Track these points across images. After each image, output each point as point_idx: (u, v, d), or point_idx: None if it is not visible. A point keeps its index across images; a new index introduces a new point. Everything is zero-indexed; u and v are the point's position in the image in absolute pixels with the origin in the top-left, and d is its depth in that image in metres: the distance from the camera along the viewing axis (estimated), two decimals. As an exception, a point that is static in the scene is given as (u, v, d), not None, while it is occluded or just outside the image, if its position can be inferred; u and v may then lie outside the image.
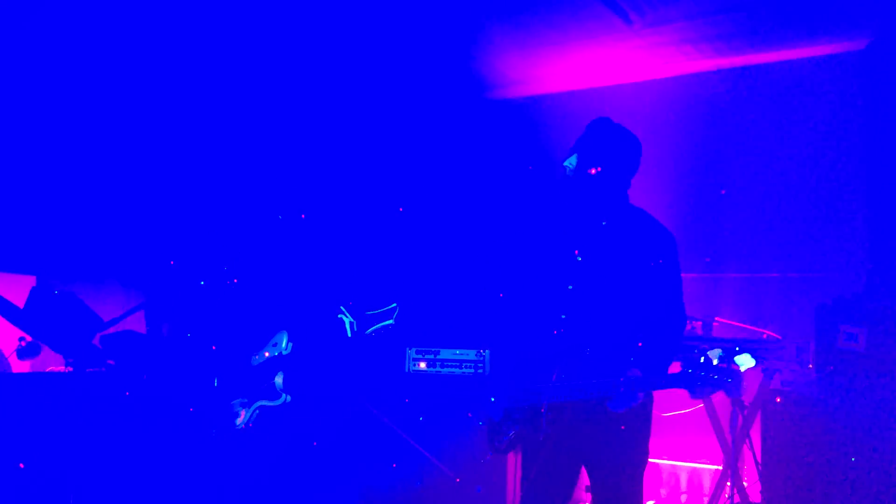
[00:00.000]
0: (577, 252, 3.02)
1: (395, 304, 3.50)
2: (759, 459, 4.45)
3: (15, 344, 4.87)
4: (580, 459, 3.00)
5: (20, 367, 5.68)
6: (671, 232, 3.00)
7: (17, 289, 6.84)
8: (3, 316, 4.41)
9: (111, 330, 4.33)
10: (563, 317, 2.97)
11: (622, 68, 5.47)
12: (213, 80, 5.67)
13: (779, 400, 4.27)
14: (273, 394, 3.83)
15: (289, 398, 3.82)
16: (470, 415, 4.78)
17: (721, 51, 5.11)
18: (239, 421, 3.93)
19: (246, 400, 3.91)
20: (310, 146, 6.33)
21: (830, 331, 3.48)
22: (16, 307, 4.43)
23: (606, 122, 3.11)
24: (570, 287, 2.99)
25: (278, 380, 3.81)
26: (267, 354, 3.92)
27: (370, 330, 3.48)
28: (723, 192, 5.22)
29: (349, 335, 3.51)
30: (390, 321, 3.49)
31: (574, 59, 5.39)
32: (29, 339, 4.81)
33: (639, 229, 2.97)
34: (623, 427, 2.89)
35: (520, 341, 3.23)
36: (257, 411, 3.89)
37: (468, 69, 5.64)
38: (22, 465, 4.64)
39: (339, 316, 3.50)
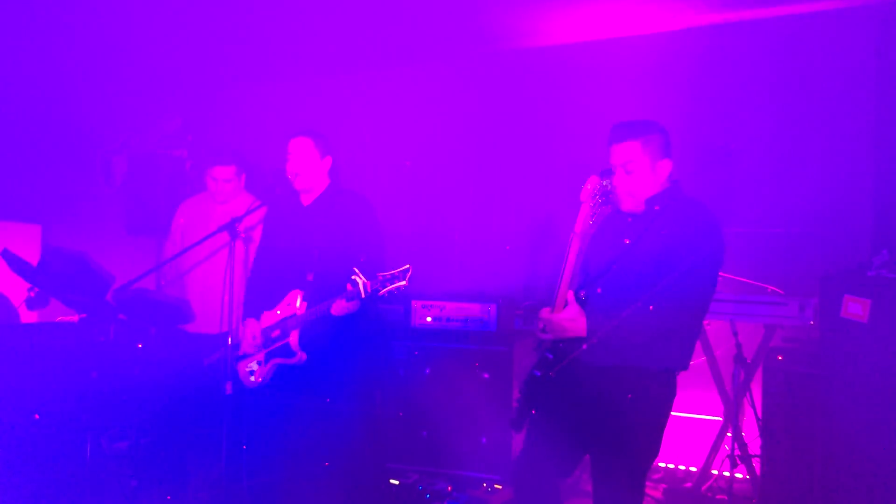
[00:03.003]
0: (626, 240, 3.03)
1: (408, 266, 3.53)
2: (759, 414, 4.55)
3: (24, 294, 4.91)
4: (583, 437, 3.02)
5: (29, 317, 5.74)
6: (716, 224, 2.93)
7: (22, 237, 6.89)
8: (18, 273, 4.44)
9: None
10: (599, 291, 3.00)
11: (631, 20, 5.41)
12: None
13: (780, 358, 4.34)
14: (288, 352, 3.89)
15: (304, 356, 3.88)
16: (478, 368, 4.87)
17: (730, 5, 5.06)
18: (254, 378, 4.00)
19: (262, 359, 3.98)
20: (317, 98, 6.31)
21: (835, 301, 3.53)
22: (29, 264, 4.46)
23: (614, 129, 3.08)
24: (615, 266, 3.02)
25: (293, 338, 3.87)
26: (279, 312, 3.97)
27: (384, 291, 3.52)
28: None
29: (363, 296, 3.54)
30: (403, 283, 3.52)
31: (582, 10, 5.33)
32: (38, 289, 4.85)
33: (684, 218, 2.94)
34: (634, 414, 2.92)
35: None
36: (273, 368, 3.97)
37: (475, 20, 5.57)
38: (37, 416, 4.73)
39: (353, 277, 3.53)
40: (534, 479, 3.11)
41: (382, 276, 3.53)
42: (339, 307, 3.67)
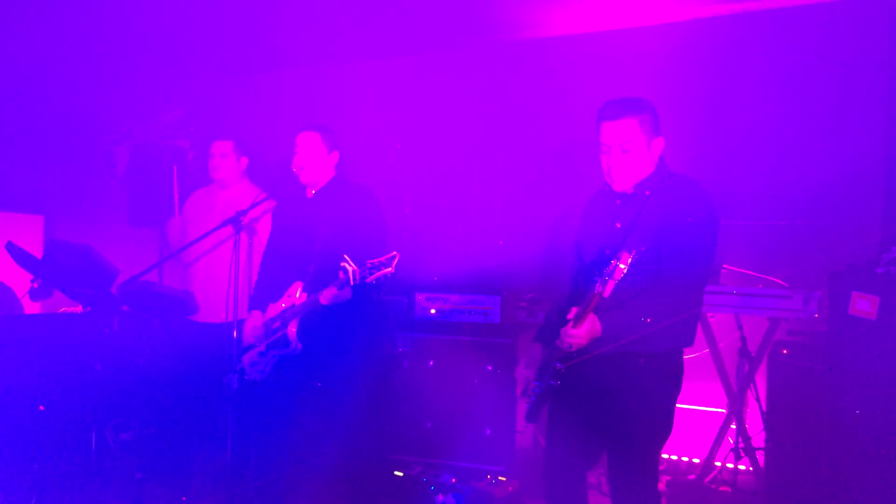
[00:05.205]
0: (618, 224, 3.01)
1: (395, 253, 3.51)
2: (763, 407, 4.56)
3: (27, 285, 4.92)
4: (600, 425, 3.03)
5: (32, 307, 5.74)
6: (710, 196, 2.94)
7: (25, 228, 6.89)
8: (23, 267, 4.44)
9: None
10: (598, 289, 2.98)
11: (635, 11, 5.38)
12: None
13: (785, 352, 4.33)
14: (286, 342, 3.89)
15: (299, 346, 3.87)
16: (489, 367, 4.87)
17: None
18: (257, 369, 4.00)
19: (263, 350, 3.98)
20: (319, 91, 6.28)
21: (843, 297, 3.52)
22: (34, 257, 4.46)
23: (607, 106, 3.04)
24: (608, 252, 2.97)
25: (291, 329, 3.86)
26: (283, 305, 3.97)
27: (371, 278, 3.50)
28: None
29: (352, 283, 3.52)
30: (389, 269, 3.50)
31: (588, 0, 5.30)
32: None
33: (677, 196, 2.92)
34: (645, 397, 2.93)
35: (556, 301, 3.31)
36: (274, 360, 3.96)
37: (478, 10, 5.54)
38: (42, 408, 4.74)
39: (343, 265, 3.51)
40: (560, 473, 3.14)
41: (371, 263, 3.51)
42: (329, 295, 3.66)
